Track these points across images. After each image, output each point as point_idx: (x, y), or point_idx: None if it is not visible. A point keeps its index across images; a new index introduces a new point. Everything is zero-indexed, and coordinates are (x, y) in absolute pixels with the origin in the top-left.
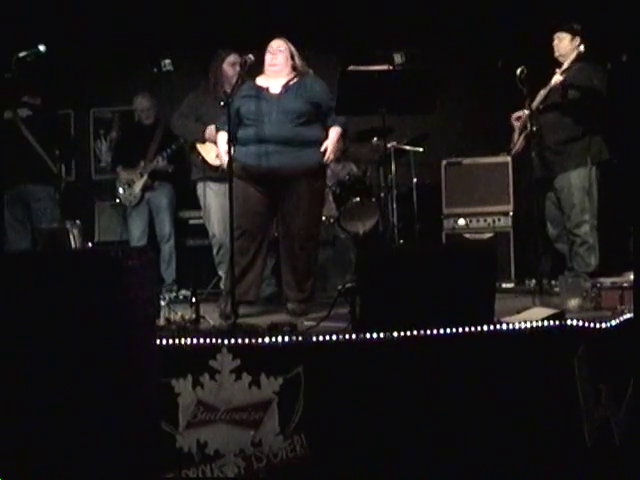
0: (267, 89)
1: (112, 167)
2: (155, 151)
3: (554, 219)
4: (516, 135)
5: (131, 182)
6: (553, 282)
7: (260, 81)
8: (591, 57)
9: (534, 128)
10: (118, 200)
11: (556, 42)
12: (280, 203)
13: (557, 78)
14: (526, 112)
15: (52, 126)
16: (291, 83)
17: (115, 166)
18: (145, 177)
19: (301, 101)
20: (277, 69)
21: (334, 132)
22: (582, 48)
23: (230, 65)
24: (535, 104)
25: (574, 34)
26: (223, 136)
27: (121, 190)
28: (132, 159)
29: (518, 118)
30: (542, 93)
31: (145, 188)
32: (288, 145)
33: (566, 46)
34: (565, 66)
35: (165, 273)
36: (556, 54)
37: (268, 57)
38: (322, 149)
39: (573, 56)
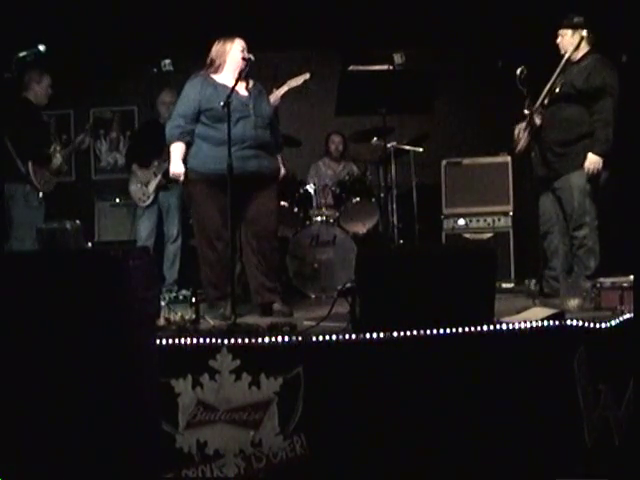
0: (236, 90)
1: (126, 165)
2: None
3: (546, 216)
4: (520, 132)
5: (145, 181)
6: (553, 282)
7: (222, 79)
8: (603, 49)
9: (537, 122)
10: (118, 200)
11: (559, 40)
12: (250, 206)
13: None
14: (526, 112)
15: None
16: (251, 87)
17: (130, 164)
18: (159, 177)
19: (267, 106)
20: (246, 70)
21: (279, 160)
22: (586, 36)
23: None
24: (541, 98)
25: (574, 28)
26: (179, 148)
27: (135, 189)
28: (145, 158)
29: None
30: (547, 87)
31: (159, 188)
32: (261, 149)
33: (568, 42)
34: (568, 55)
35: (168, 272)
36: (562, 52)
37: (240, 55)
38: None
39: (578, 48)
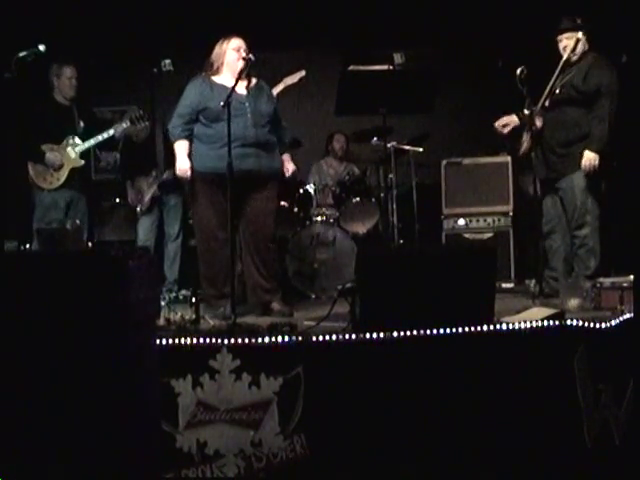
0: (234, 90)
1: (122, 182)
2: (164, 159)
3: (548, 216)
4: (524, 135)
5: (141, 190)
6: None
7: (220, 80)
8: (603, 49)
9: (538, 125)
10: (118, 200)
11: (565, 43)
12: (248, 205)
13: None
14: (526, 112)
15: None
16: (252, 85)
17: (125, 181)
18: (154, 188)
19: (268, 104)
20: (246, 70)
21: (288, 157)
22: (583, 38)
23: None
24: (542, 100)
25: (577, 30)
26: (183, 145)
27: (130, 199)
28: (142, 167)
29: (504, 125)
30: (547, 90)
31: (154, 198)
32: (260, 148)
33: (574, 44)
34: (565, 57)
35: (168, 271)
36: (568, 54)
37: (236, 55)
38: (289, 174)
39: (579, 49)
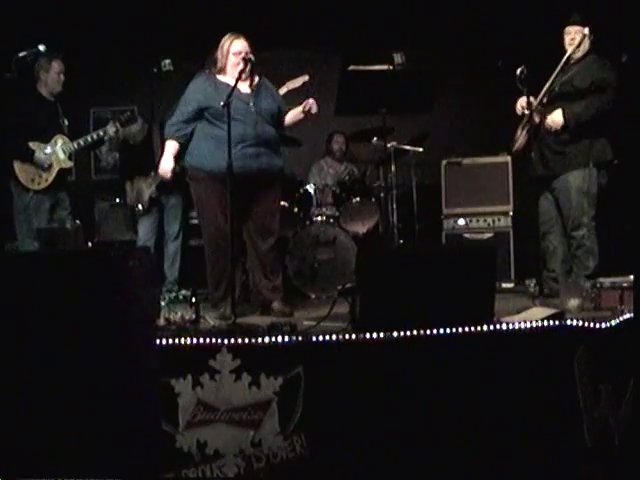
0: (238, 89)
1: (121, 183)
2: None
3: (545, 217)
4: (519, 131)
5: (140, 190)
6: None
7: (225, 78)
8: (603, 49)
9: (536, 120)
10: (118, 200)
11: (579, 37)
12: (252, 204)
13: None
14: (526, 112)
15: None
16: (255, 84)
17: (124, 182)
18: (153, 188)
19: (272, 102)
20: (248, 72)
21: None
22: (589, 35)
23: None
24: (540, 96)
25: (585, 25)
26: (172, 146)
27: (129, 199)
28: (141, 168)
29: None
30: (547, 85)
31: (153, 199)
32: (264, 147)
33: (580, 38)
34: (569, 52)
35: (168, 271)
36: (573, 48)
37: (236, 59)
38: (304, 106)
39: (583, 47)
